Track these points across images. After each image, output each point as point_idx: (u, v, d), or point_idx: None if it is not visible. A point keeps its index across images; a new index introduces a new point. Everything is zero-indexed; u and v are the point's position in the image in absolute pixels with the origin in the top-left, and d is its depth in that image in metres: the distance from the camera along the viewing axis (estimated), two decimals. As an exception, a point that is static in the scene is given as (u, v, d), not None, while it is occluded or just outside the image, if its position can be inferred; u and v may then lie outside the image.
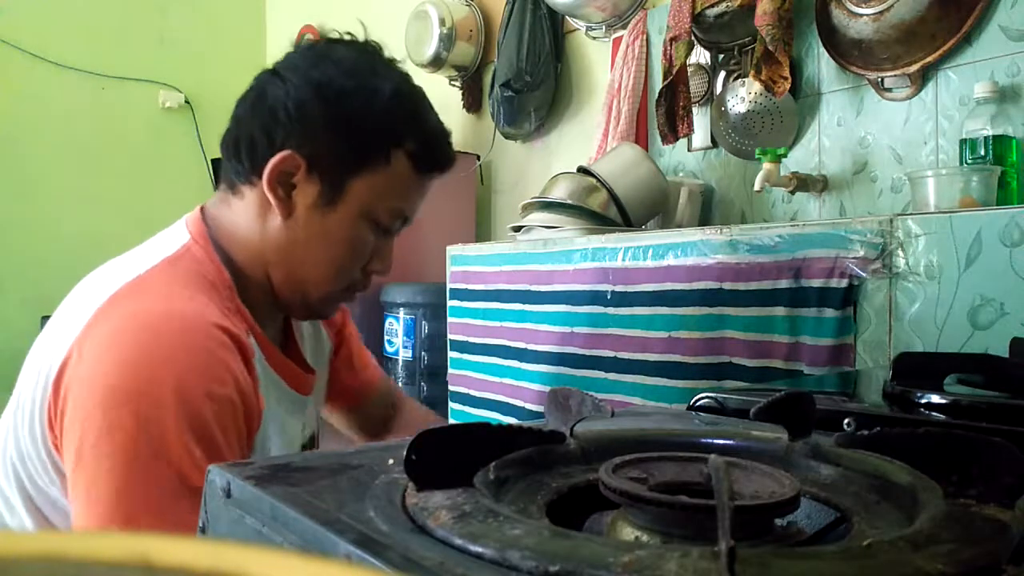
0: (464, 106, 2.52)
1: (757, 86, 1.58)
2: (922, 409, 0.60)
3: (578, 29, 2.15)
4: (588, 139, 2.08)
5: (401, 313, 2.06)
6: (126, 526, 0.69)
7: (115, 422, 0.70)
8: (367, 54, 0.88)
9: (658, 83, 1.73)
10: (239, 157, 0.87)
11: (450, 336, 1.68)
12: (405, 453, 0.37)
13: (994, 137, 1.25)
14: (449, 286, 1.67)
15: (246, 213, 0.88)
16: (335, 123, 0.84)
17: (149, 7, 3.62)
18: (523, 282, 1.47)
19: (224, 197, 0.90)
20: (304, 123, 0.83)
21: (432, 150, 0.89)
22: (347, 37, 0.91)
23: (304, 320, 1.00)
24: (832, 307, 0.99)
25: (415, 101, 0.89)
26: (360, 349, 1.18)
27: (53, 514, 0.80)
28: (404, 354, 2.06)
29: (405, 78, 0.89)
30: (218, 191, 0.92)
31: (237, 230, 0.88)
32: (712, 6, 1.62)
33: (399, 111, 0.86)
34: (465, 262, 1.63)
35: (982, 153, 1.25)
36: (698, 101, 1.79)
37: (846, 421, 0.56)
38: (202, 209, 0.92)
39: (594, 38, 2.13)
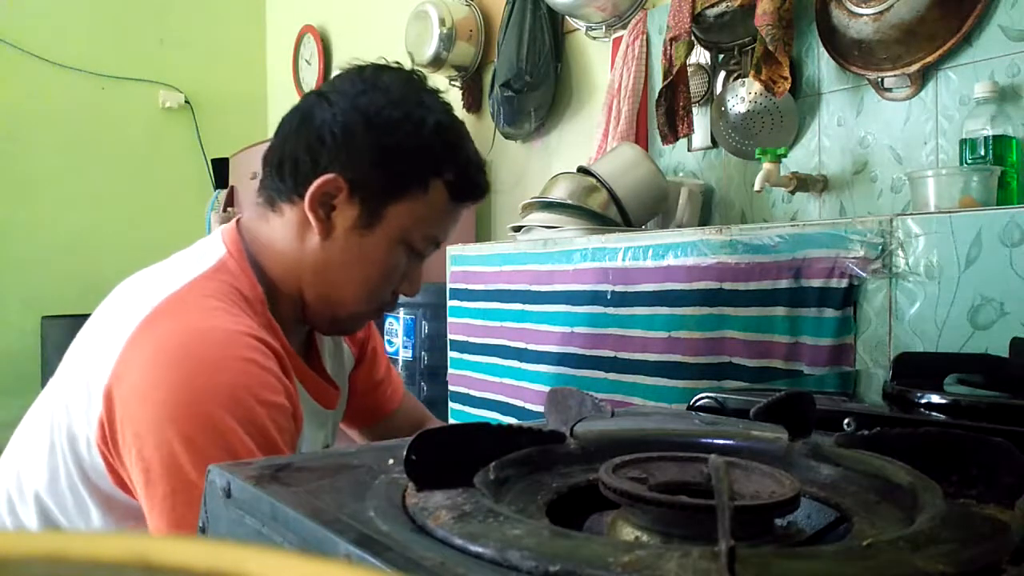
0: (464, 106, 2.52)
1: (757, 86, 1.57)
2: (922, 409, 0.60)
3: (578, 29, 2.15)
4: (588, 139, 2.08)
5: (401, 313, 2.06)
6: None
7: (181, 435, 0.72)
8: (412, 84, 0.91)
9: (658, 83, 1.73)
10: (282, 176, 0.90)
11: (450, 336, 1.68)
12: (405, 453, 0.37)
13: (994, 137, 1.25)
14: (449, 286, 1.67)
15: (284, 230, 0.90)
16: (379, 151, 0.87)
17: (149, 7, 3.62)
18: (523, 282, 1.47)
19: (263, 212, 0.92)
20: (349, 148, 0.86)
21: (468, 181, 0.93)
22: (394, 64, 0.94)
23: (329, 335, 1.02)
24: (832, 307, 0.99)
25: (456, 133, 0.92)
26: (384, 366, 1.18)
27: (62, 516, 0.81)
28: (404, 354, 2.06)
29: (447, 109, 0.92)
30: (255, 206, 0.94)
31: (274, 245, 0.90)
32: (712, 6, 1.62)
33: (441, 143, 0.89)
34: (465, 262, 1.63)
35: (982, 153, 1.25)
36: (698, 101, 1.79)
37: (846, 421, 0.56)
38: (238, 222, 0.95)
39: (594, 38, 2.13)
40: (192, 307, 0.80)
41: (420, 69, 0.94)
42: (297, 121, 0.90)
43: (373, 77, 0.89)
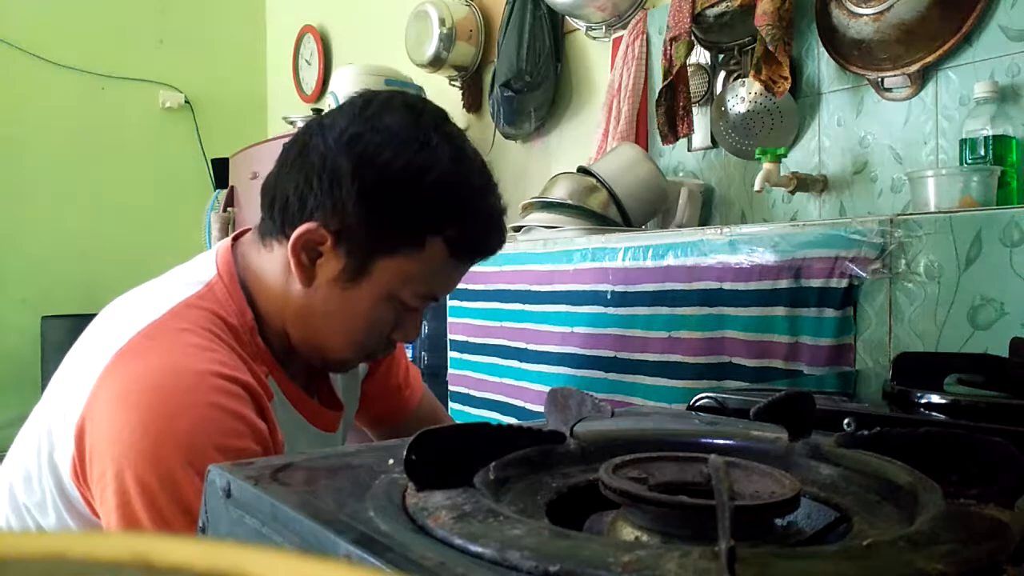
0: (464, 106, 2.52)
1: (757, 86, 1.57)
2: (922, 409, 0.60)
3: (578, 29, 2.15)
4: (588, 139, 2.08)
5: (401, 313, 2.06)
6: None
7: (139, 482, 0.70)
8: (421, 125, 0.80)
9: (658, 83, 1.73)
10: (272, 213, 0.84)
11: (450, 336, 1.68)
12: (405, 453, 0.37)
13: (994, 137, 1.25)
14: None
15: (272, 267, 0.84)
16: (368, 203, 0.78)
17: (149, 7, 3.62)
18: (523, 282, 1.47)
19: (255, 242, 0.87)
20: (335, 197, 0.78)
21: (474, 239, 0.84)
22: (410, 95, 0.84)
23: (321, 370, 0.96)
24: (832, 307, 0.99)
25: (463, 187, 0.82)
26: (402, 371, 1.14)
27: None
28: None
29: (460, 154, 0.82)
30: (253, 230, 0.89)
31: (263, 279, 0.85)
32: (712, 6, 1.62)
33: (441, 199, 0.80)
34: (465, 262, 1.63)
35: (982, 153, 1.25)
36: (698, 101, 1.79)
37: (846, 421, 0.56)
38: (235, 241, 0.90)
39: (594, 38, 2.13)
40: (163, 343, 0.76)
41: (435, 106, 0.83)
42: (294, 154, 0.83)
43: (376, 114, 0.80)
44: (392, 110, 0.81)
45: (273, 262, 0.84)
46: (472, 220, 0.83)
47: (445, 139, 0.81)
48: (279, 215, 0.83)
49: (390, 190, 0.78)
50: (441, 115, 0.84)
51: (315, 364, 0.91)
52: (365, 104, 0.82)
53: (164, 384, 0.73)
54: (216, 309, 0.81)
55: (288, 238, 0.81)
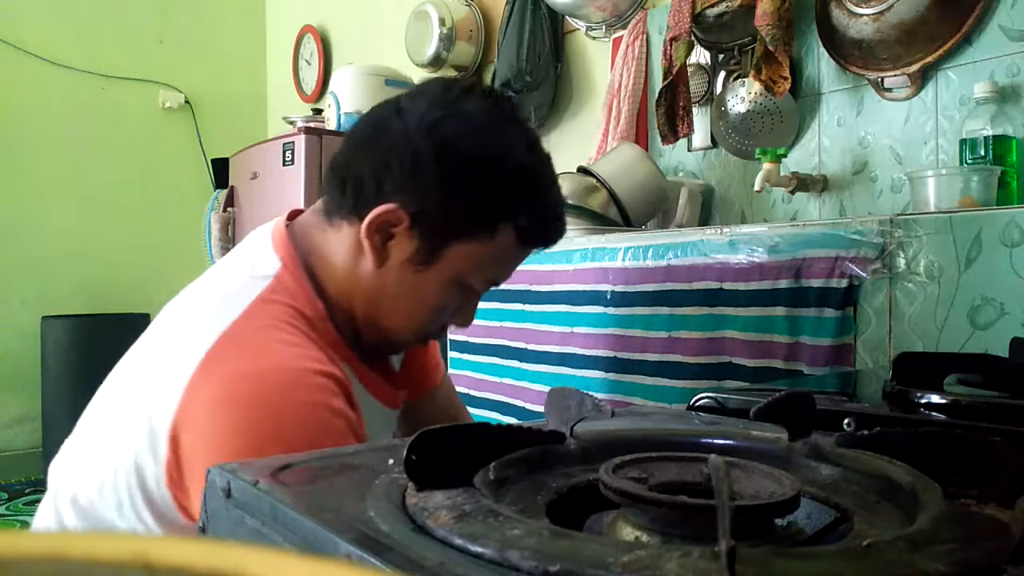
0: (464, 106, 2.52)
1: (757, 86, 1.58)
2: (922, 409, 0.60)
3: (578, 29, 2.15)
4: (588, 139, 2.08)
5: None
6: None
7: None
8: (498, 114, 0.82)
9: (658, 83, 1.73)
10: (344, 192, 0.83)
11: (450, 336, 1.68)
12: (405, 453, 0.37)
13: (994, 137, 1.25)
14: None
15: (340, 247, 0.84)
16: (448, 188, 0.79)
17: (149, 7, 3.62)
18: (523, 282, 1.47)
19: (319, 222, 0.86)
20: (416, 179, 0.79)
21: (542, 227, 0.86)
22: (484, 87, 0.85)
23: (373, 353, 0.95)
24: (832, 307, 0.99)
25: (537, 175, 0.84)
26: (425, 350, 1.13)
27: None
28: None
29: (532, 145, 0.84)
30: (315, 211, 0.88)
31: (330, 260, 0.85)
32: (712, 6, 1.62)
33: (518, 187, 0.82)
34: (465, 262, 1.63)
35: (982, 153, 1.25)
36: (698, 101, 1.79)
37: (846, 421, 0.56)
38: (290, 220, 0.89)
39: (594, 38, 2.13)
40: (251, 344, 0.75)
41: (511, 96, 0.87)
42: (369, 135, 0.83)
43: (457, 100, 0.80)
44: (472, 97, 0.82)
45: (341, 242, 0.84)
46: (541, 208, 0.85)
47: (520, 129, 0.83)
48: (352, 195, 0.82)
49: (470, 176, 0.79)
50: (515, 105, 0.86)
51: (369, 346, 0.91)
52: (445, 90, 0.82)
53: (263, 385, 0.72)
54: (290, 302, 0.81)
55: (361, 219, 0.81)
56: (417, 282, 0.83)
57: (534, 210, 0.84)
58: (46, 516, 0.82)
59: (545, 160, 0.86)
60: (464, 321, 0.91)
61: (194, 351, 0.75)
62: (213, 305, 0.80)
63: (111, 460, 0.77)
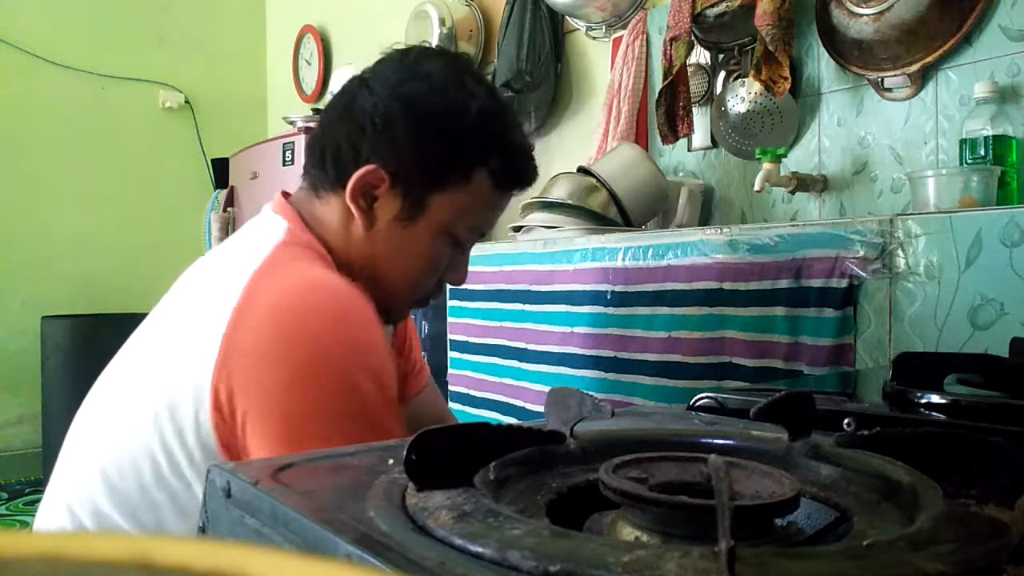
0: (464, 106, 2.52)
1: (757, 86, 1.58)
2: (922, 409, 0.60)
3: (578, 29, 2.15)
4: (588, 139, 2.08)
5: (401, 313, 2.06)
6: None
7: (316, 395, 0.71)
8: (456, 69, 0.88)
9: (658, 83, 1.73)
10: (324, 165, 0.88)
11: (450, 336, 1.68)
12: (405, 453, 0.37)
13: (994, 137, 1.25)
14: (449, 286, 1.67)
15: (330, 218, 0.88)
16: (421, 140, 0.84)
17: (149, 7, 3.62)
18: (523, 282, 1.47)
19: (308, 199, 0.90)
20: (390, 138, 0.84)
21: (513, 168, 0.90)
22: (438, 49, 0.91)
23: None
24: (832, 307, 0.99)
25: (501, 119, 0.89)
26: (412, 350, 1.16)
27: (173, 516, 0.76)
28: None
29: (492, 94, 0.90)
30: (300, 190, 0.92)
31: (325, 233, 0.88)
32: (712, 6, 1.62)
33: (484, 130, 0.87)
34: (465, 262, 1.63)
35: (982, 153, 1.25)
36: (698, 101, 1.79)
37: (846, 421, 0.56)
38: (286, 199, 0.91)
39: (594, 38, 2.13)
40: (291, 267, 0.79)
41: (466, 54, 0.92)
42: (340, 109, 0.88)
43: (415, 63, 0.87)
44: (429, 59, 0.88)
45: (331, 214, 0.88)
46: (510, 150, 0.90)
47: (478, 80, 0.89)
48: (333, 165, 0.86)
49: (439, 127, 0.85)
50: (471, 61, 0.91)
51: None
52: (403, 55, 0.89)
53: (315, 296, 0.75)
54: (313, 247, 0.85)
55: (344, 187, 0.85)
56: (407, 238, 0.87)
57: (503, 151, 0.89)
58: (59, 516, 0.80)
59: (506, 106, 0.92)
60: (458, 277, 0.95)
61: (231, 288, 0.76)
62: (234, 264, 0.81)
63: (148, 424, 0.75)
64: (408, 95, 0.84)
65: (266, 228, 0.86)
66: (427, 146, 0.85)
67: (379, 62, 0.89)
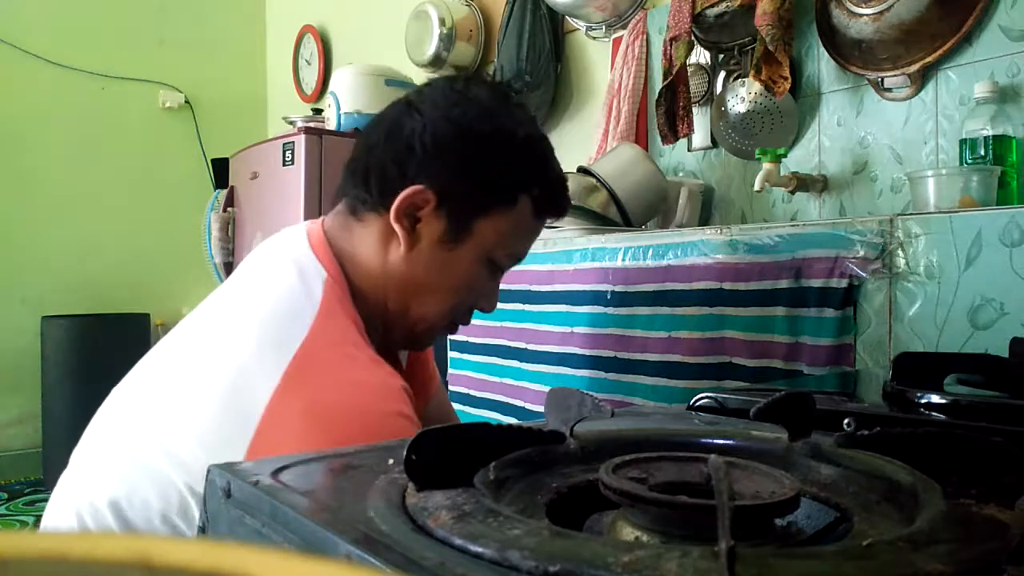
0: (464, 106, 2.52)
1: (757, 86, 1.58)
2: (922, 409, 0.60)
3: (578, 29, 2.15)
4: (588, 139, 2.08)
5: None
6: None
7: None
8: (502, 96, 0.89)
9: (658, 83, 1.73)
10: (367, 185, 0.87)
11: (450, 336, 1.68)
12: (405, 453, 0.37)
13: (994, 137, 1.25)
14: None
15: (369, 240, 0.87)
16: (470, 163, 0.84)
17: (149, 7, 3.62)
18: (523, 282, 1.47)
19: (345, 222, 0.89)
20: (439, 159, 0.84)
21: (554, 196, 0.91)
22: (484, 77, 0.92)
23: (401, 347, 0.99)
24: (832, 307, 0.99)
25: (544, 147, 0.90)
26: (426, 355, 1.15)
27: None
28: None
29: (534, 123, 0.91)
30: (336, 213, 0.91)
31: (359, 257, 0.87)
32: (712, 6, 1.62)
33: (530, 156, 0.88)
34: (465, 262, 1.63)
35: (982, 153, 1.25)
36: (698, 101, 1.79)
37: (846, 421, 0.56)
38: (323, 229, 0.90)
39: (594, 38, 2.13)
40: (328, 361, 0.77)
41: (506, 84, 0.92)
42: (385, 130, 0.87)
43: (464, 89, 0.87)
44: (477, 85, 0.89)
45: (370, 236, 0.87)
46: (551, 178, 0.91)
47: (521, 108, 0.90)
48: (377, 186, 0.86)
49: (488, 151, 0.85)
50: (510, 90, 0.91)
51: (397, 340, 0.94)
52: (451, 82, 0.90)
53: (347, 399, 0.74)
54: (345, 312, 0.83)
55: (388, 208, 0.84)
56: (449, 261, 0.87)
57: (545, 179, 0.90)
58: (65, 516, 0.80)
59: (544, 135, 0.93)
60: (490, 305, 0.94)
61: (269, 375, 0.74)
62: (272, 320, 0.80)
63: (167, 476, 0.75)
64: (459, 119, 0.84)
65: (304, 275, 0.83)
66: (476, 169, 0.85)
67: (425, 86, 0.90)
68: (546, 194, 0.89)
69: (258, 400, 0.74)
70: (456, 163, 0.84)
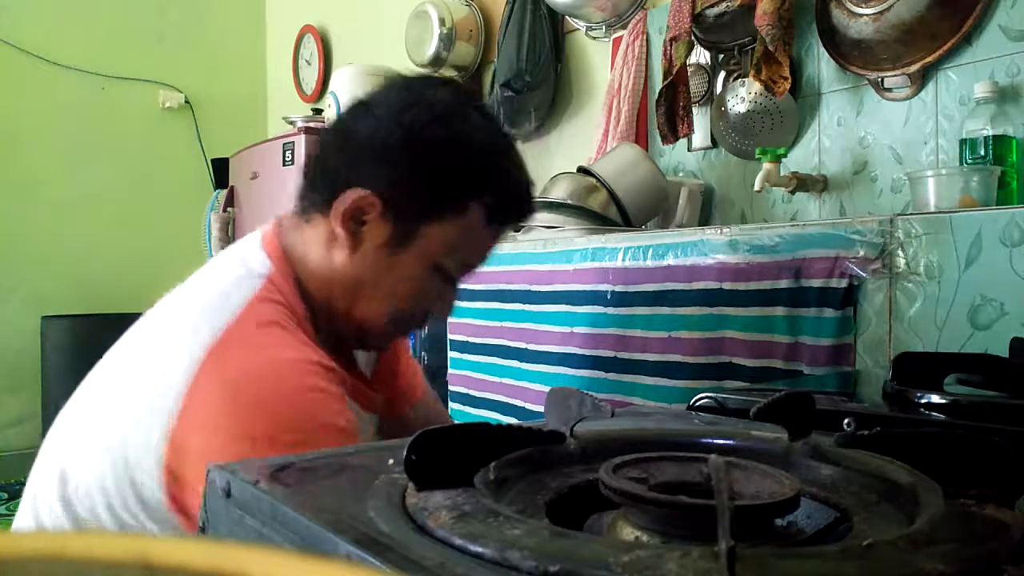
0: (464, 106, 2.52)
1: (757, 86, 1.57)
2: (922, 409, 0.60)
3: (578, 29, 2.15)
4: (588, 139, 2.08)
5: (401, 313, 2.06)
6: None
7: (240, 453, 0.70)
8: (460, 100, 0.87)
9: (658, 83, 1.73)
10: (316, 187, 0.87)
11: (450, 336, 1.68)
12: (405, 453, 0.37)
13: (994, 137, 1.25)
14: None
15: (316, 242, 0.87)
16: (418, 170, 0.83)
17: (149, 7, 3.62)
18: (523, 282, 1.47)
19: (297, 223, 0.90)
20: (387, 165, 0.83)
21: (509, 205, 0.89)
22: (444, 77, 0.91)
23: (356, 348, 0.99)
24: (832, 307, 0.99)
25: (502, 155, 0.88)
26: (404, 359, 1.15)
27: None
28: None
29: (495, 128, 0.89)
30: (291, 214, 0.92)
31: (307, 257, 0.88)
32: (712, 6, 1.62)
33: (484, 165, 0.85)
34: (465, 262, 1.63)
35: (982, 153, 1.25)
36: (698, 101, 1.79)
37: (846, 421, 0.56)
38: (278, 226, 0.91)
39: (594, 38, 2.13)
40: (253, 339, 0.78)
41: (469, 85, 0.92)
42: (340, 132, 0.88)
43: (420, 90, 0.86)
44: (435, 87, 0.87)
45: (317, 237, 0.87)
46: (507, 185, 0.88)
47: (483, 114, 0.88)
48: (326, 188, 0.85)
49: (437, 157, 0.83)
50: (474, 93, 0.89)
51: (352, 342, 0.94)
52: (409, 84, 0.88)
53: (264, 375, 0.75)
54: (283, 301, 0.84)
55: (333, 208, 0.84)
56: (392, 266, 0.86)
57: (500, 187, 0.87)
58: (25, 516, 0.83)
59: (509, 143, 0.90)
60: (444, 311, 0.93)
61: (194, 351, 0.76)
62: (209, 304, 0.82)
63: (103, 459, 0.77)
64: (410, 123, 0.82)
65: (250, 264, 0.86)
66: (424, 176, 0.83)
67: (383, 86, 0.88)
68: (502, 202, 0.87)
69: (184, 371, 0.75)
70: (404, 169, 0.83)
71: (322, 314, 0.88)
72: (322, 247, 0.86)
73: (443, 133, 0.83)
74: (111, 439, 0.77)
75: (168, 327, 0.83)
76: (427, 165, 0.83)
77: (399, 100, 0.84)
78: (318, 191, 0.86)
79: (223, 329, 0.78)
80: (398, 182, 0.83)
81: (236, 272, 0.86)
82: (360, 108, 0.86)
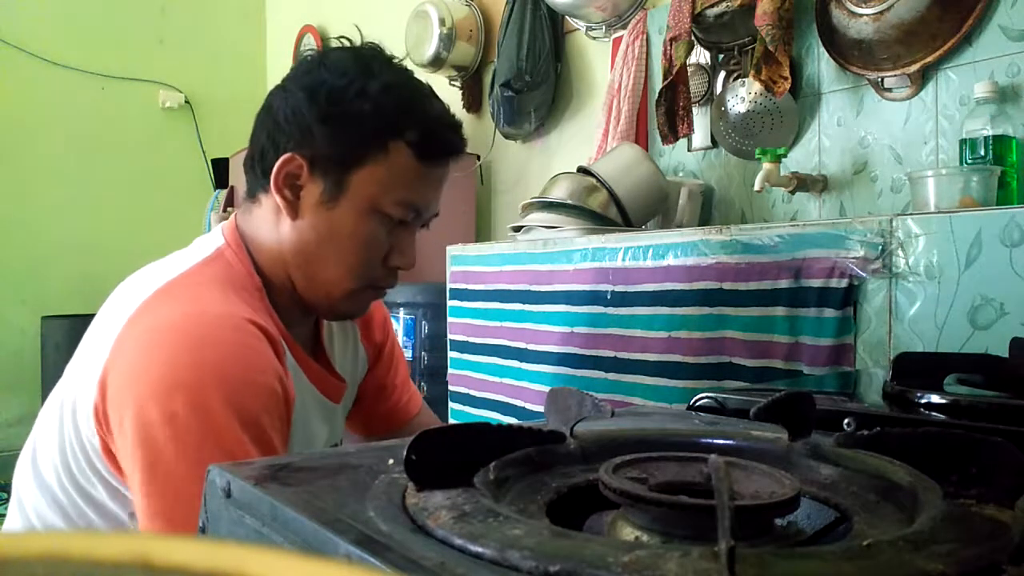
0: (464, 106, 2.52)
1: (757, 86, 1.57)
2: (922, 409, 0.60)
3: (578, 29, 2.15)
4: (588, 139, 2.08)
5: (401, 313, 2.06)
6: (180, 508, 0.72)
7: (166, 411, 0.73)
8: (361, 56, 0.91)
9: (658, 83, 1.73)
10: (253, 167, 0.92)
11: (450, 336, 1.68)
12: (405, 453, 0.37)
13: (994, 137, 1.25)
14: (449, 286, 1.67)
15: (264, 219, 0.91)
16: (327, 121, 0.87)
17: (149, 7, 3.62)
18: (523, 282, 1.47)
19: (248, 207, 0.94)
20: (300, 126, 0.87)
21: (432, 139, 0.90)
22: (346, 43, 0.95)
23: (334, 320, 1.01)
24: (832, 307, 0.99)
25: (411, 92, 0.91)
26: (401, 373, 1.16)
27: (96, 515, 0.82)
28: (404, 354, 2.06)
29: (401, 73, 0.92)
30: (243, 202, 0.96)
31: (259, 236, 0.91)
32: (712, 6, 1.62)
33: (391, 103, 0.88)
34: (465, 262, 1.63)
35: (982, 153, 1.25)
36: (698, 101, 1.79)
37: (846, 421, 0.56)
38: (236, 215, 0.96)
39: (594, 38, 2.13)
40: (184, 293, 0.82)
41: (373, 43, 0.94)
42: (261, 114, 0.92)
43: (321, 57, 0.91)
44: (333, 52, 0.92)
45: (264, 215, 0.91)
46: (425, 120, 0.90)
47: (386, 64, 0.91)
48: (259, 165, 0.90)
49: (341, 105, 0.87)
50: (377, 48, 0.93)
51: (324, 312, 0.95)
52: (313, 56, 0.93)
53: (188, 324, 0.77)
54: (226, 269, 0.87)
55: (271, 182, 0.88)
56: (334, 220, 0.88)
57: (418, 123, 0.89)
58: (12, 511, 0.86)
59: (417, 82, 0.93)
60: (406, 261, 0.94)
61: (130, 305, 0.81)
62: (154, 274, 0.86)
63: (58, 416, 0.82)
64: (312, 83, 0.87)
65: (202, 246, 0.90)
66: (334, 125, 0.87)
67: (293, 66, 0.94)
68: (424, 137, 0.89)
69: (119, 322, 0.79)
70: (315, 123, 0.86)
71: (283, 290, 0.91)
72: (271, 222, 0.90)
73: (342, 83, 0.87)
74: (65, 398, 0.81)
75: (116, 302, 0.86)
76: (333, 115, 0.86)
77: (303, 68, 0.91)
78: (255, 171, 0.91)
79: (160, 286, 0.82)
80: (313, 138, 0.87)
81: (189, 251, 0.90)
82: (277, 89, 0.91)
